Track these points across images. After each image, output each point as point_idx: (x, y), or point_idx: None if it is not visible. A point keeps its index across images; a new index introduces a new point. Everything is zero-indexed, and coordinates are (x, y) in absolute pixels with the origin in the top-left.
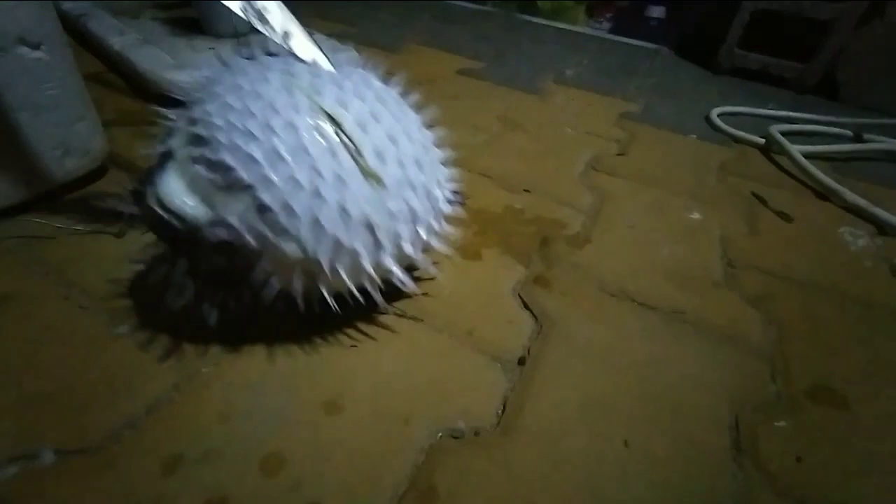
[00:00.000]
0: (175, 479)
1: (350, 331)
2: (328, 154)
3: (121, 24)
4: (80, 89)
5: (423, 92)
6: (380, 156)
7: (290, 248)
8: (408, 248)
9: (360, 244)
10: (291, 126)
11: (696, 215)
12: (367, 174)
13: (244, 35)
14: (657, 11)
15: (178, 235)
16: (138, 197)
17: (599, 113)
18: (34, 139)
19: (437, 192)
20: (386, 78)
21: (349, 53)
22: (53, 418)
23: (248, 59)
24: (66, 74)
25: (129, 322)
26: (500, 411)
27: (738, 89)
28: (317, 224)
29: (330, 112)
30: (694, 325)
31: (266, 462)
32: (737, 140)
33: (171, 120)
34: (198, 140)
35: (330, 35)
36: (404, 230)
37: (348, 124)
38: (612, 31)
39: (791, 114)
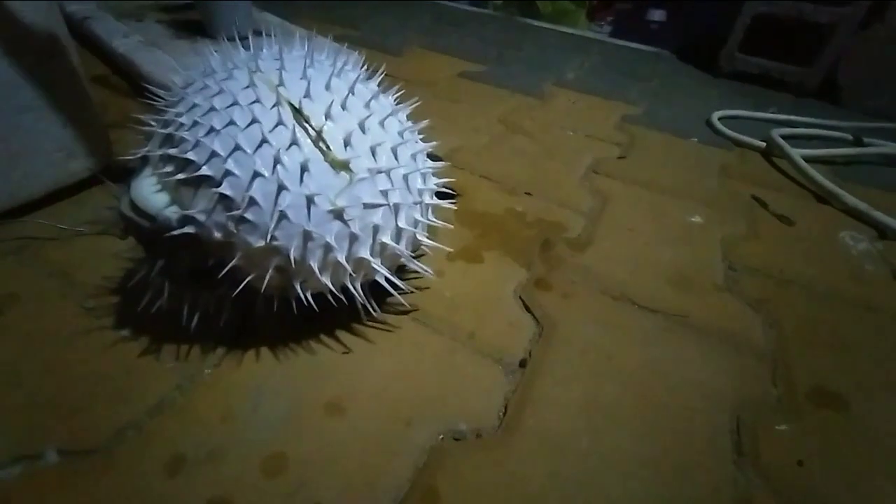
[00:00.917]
0: (178, 480)
1: (350, 333)
2: (291, 144)
3: (125, 26)
4: (84, 92)
5: (424, 94)
6: (348, 144)
7: (255, 240)
8: (389, 242)
9: (331, 235)
10: (253, 119)
11: (697, 218)
12: (335, 163)
13: (246, 38)
14: (658, 15)
15: (150, 235)
16: (117, 203)
17: (601, 116)
18: (39, 141)
19: (420, 184)
20: (378, 77)
21: (351, 56)
22: (57, 419)
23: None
24: (72, 77)
25: (132, 323)
26: (501, 413)
27: (739, 93)
28: (281, 215)
29: (294, 103)
30: (695, 329)
31: (268, 463)
32: (738, 144)
33: (150, 125)
34: (168, 141)
35: (332, 38)
36: (382, 221)
37: (313, 114)
38: (613, 34)
39: (792, 117)
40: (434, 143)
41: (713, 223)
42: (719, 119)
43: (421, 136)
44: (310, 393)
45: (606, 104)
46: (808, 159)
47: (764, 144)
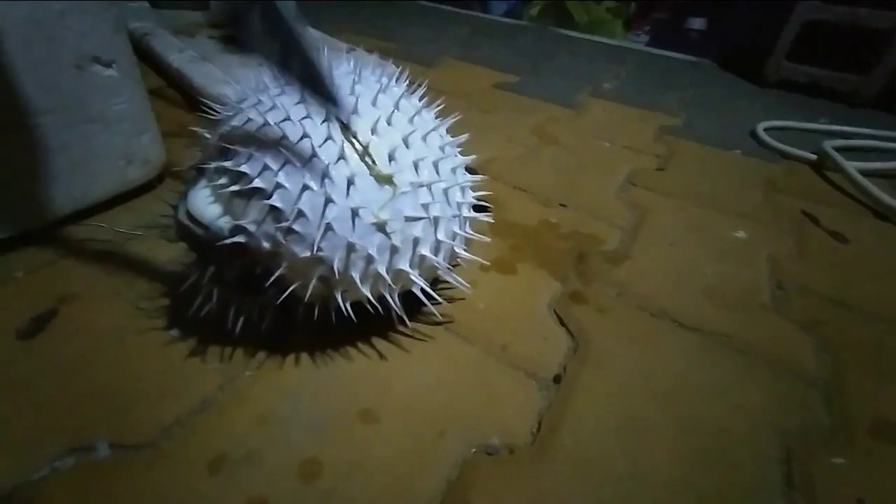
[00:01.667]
0: (219, 479)
1: (385, 341)
2: (339, 159)
3: (180, 42)
4: (146, 104)
5: (459, 106)
6: (392, 158)
7: (301, 251)
8: (428, 254)
9: (373, 247)
10: (304, 133)
11: (740, 234)
12: (379, 177)
13: None
14: (698, 23)
15: (203, 244)
16: (174, 211)
17: (638, 127)
18: (102, 150)
19: (459, 197)
20: (418, 90)
21: (389, 68)
22: (110, 413)
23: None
24: (134, 90)
25: (180, 324)
26: (535, 430)
27: (786, 103)
28: (327, 227)
29: (343, 119)
30: (740, 350)
31: (304, 467)
32: (785, 156)
33: (207, 137)
34: (223, 153)
35: (370, 51)
36: (422, 234)
37: (360, 129)
38: (651, 43)
39: (845, 128)
40: (472, 156)
41: (759, 239)
42: (765, 130)
43: (459, 150)
44: (345, 399)
45: (644, 115)
46: (864, 173)
47: (815, 157)
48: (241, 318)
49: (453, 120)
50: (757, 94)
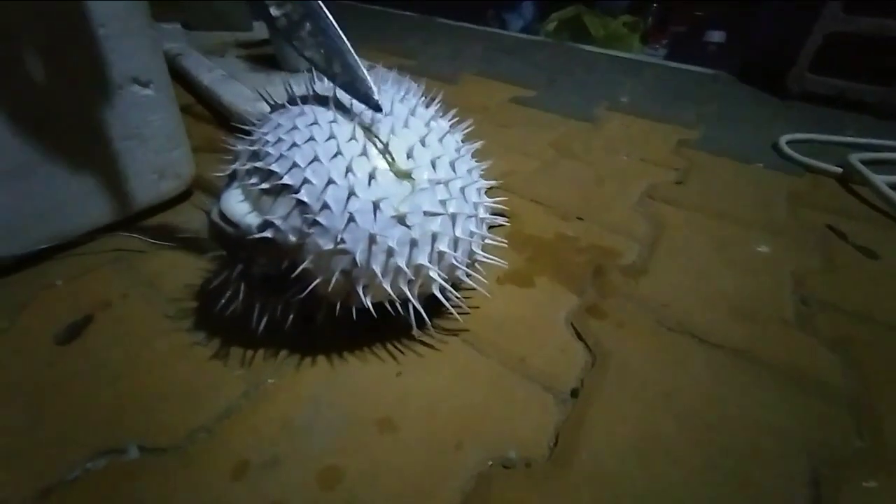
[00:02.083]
0: (243, 484)
1: (403, 347)
2: (361, 155)
3: (209, 61)
4: (179, 121)
5: (477, 120)
6: (410, 156)
7: (325, 243)
8: (446, 250)
9: (394, 240)
10: (330, 134)
11: (763, 248)
12: (399, 173)
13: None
14: (717, 36)
15: (233, 241)
16: (207, 214)
17: (656, 140)
18: (138, 164)
19: (475, 197)
20: (434, 102)
21: (412, 85)
22: (140, 417)
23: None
24: (168, 108)
25: (206, 330)
26: (552, 444)
27: (809, 116)
28: (350, 218)
29: (365, 121)
30: (763, 366)
31: (323, 475)
32: (810, 169)
33: (237, 147)
34: (254, 156)
35: (391, 68)
36: (440, 229)
37: (381, 130)
38: (669, 57)
39: (873, 141)
40: (488, 161)
41: (782, 254)
42: (787, 143)
43: (475, 160)
44: (364, 407)
45: (662, 128)
46: (893, 186)
47: (840, 170)
48: (265, 318)
49: (467, 129)
50: (779, 107)
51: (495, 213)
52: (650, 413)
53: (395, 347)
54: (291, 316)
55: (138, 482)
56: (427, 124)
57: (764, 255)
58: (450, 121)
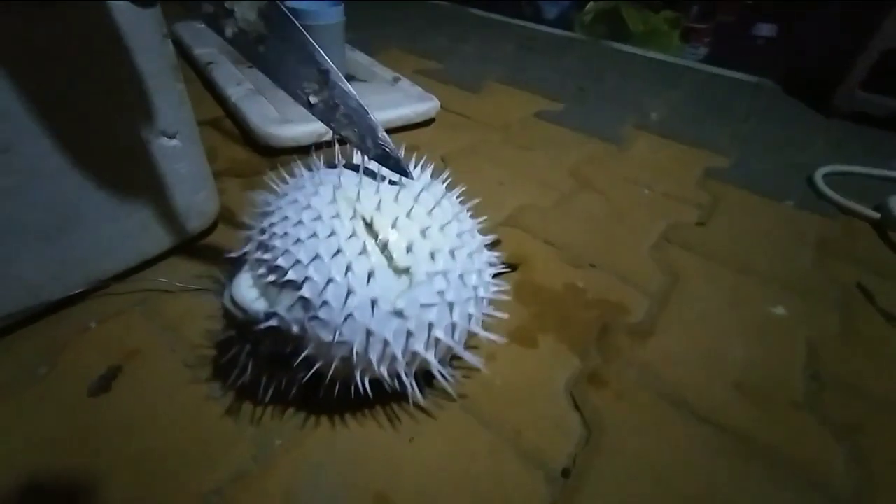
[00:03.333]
0: None
1: (403, 416)
2: (360, 253)
3: (239, 72)
4: (204, 165)
5: (497, 140)
6: (410, 250)
7: (325, 335)
8: (442, 336)
9: (390, 333)
10: (332, 232)
11: (780, 310)
12: (397, 269)
13: None
14: (766, 30)
15: (242, 324)
16: (220, 296)
17: (682, 168)
18: (165, 209)
19: (474, 281)
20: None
21: (433, 104)
22: (160, 475)
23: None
24: (194, 154)
25: (220, 382)
26: None
27: (855, 139)
28: (349, 314)
29: (366, 217)
30: (762, 452)
31: None
32: (844, 210)
33: (250, 229)
34: (263, 247)
35: (416, 72)
36: (436, 318)
37: (381, 226)
38: (710, 56)
39: None
40: (493, 237)
41: (800, 317)
42: (824, 177)
43: (480, 231)
44: (362, 476)
45: (690, 153)
46: None
47: (878, 215)
48: (271, 389)
49: (469, 198)
50: (821, 127)
51: (504, 262)
52: (641, 497)
53: (394, 412)
54: (294, 389)
55: None
56: (430, 212)
57: (780, 319)
58: (457, 195)
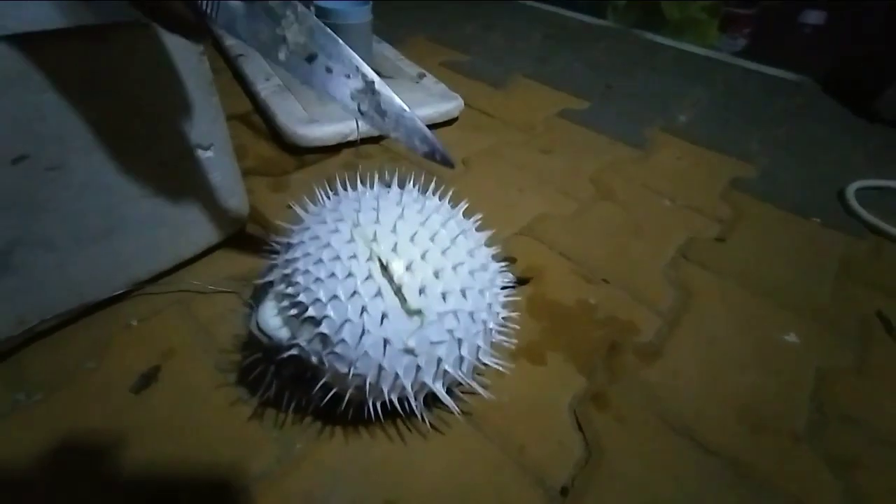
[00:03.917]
0: None
1: (413, 428)
2: (375, 295)
3: (268, 66)
4: (236, 173)
5: (519, 142)
6: (423, 293)
7: (341, 368)
8: (450, 370)
9: (400, 368)
10: (349, 273)
11: (791, 337)
12: (409, 311)
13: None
14: (814, 17)
15: (268, 348)
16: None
17: (707, 178)
18: (201, 214)
19: (484, 315)
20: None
21: (456, 103)
22: (190, 476)
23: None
24: (227, 164)
25: (250, 387)
26: None
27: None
28: (363, 351)
29: (382, 258)
30: (759, 485)
31: None
32: (873, 230)
33: (275, 257)
34: (286, 280)
35: (441, 64)
36: (445, 354)
37: (396, 268)
38: (749, 47)
39: None
40: (507, 260)
41: (812, 345)
42: (857, 191)
43: (496, 253)
44: (373, 486)
45: (717, 160)
46: None
47: None
48: (293, 403)
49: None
50: (860, 134)
51: (520, 280)
52: None
53: (405, 425)
54: (312, 406)
55: None
56: (444, 252)
57: (791, 347)
58: (473, 224)
